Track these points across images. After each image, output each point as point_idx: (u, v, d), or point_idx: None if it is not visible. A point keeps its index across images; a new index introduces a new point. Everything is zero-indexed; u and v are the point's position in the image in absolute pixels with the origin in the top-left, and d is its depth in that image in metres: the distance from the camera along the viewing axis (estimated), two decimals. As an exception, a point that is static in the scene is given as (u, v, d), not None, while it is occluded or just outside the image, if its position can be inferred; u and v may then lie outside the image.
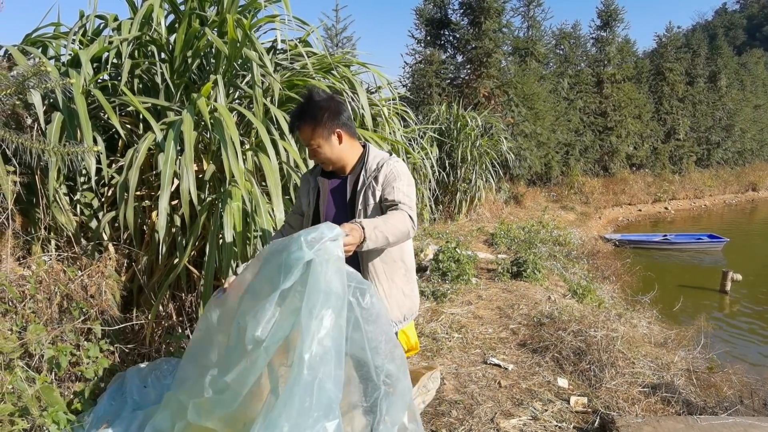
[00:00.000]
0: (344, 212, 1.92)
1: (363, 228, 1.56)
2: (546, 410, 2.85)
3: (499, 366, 3.42)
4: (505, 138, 11.24)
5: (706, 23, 62.01)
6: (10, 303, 2.44)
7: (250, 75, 3.00)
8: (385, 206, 1.83)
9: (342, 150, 1.88)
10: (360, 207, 1.86)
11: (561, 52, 17.83)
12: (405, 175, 1.87)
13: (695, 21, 66.31)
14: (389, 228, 1.65)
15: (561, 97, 16.03)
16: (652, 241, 12.11)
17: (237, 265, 2.71)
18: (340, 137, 1.86)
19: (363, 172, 1.89)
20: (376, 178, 1.85)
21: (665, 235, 12.33)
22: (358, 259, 1.87)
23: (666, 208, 18.17)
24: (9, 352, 2.07)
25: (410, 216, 1.76)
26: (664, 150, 19.50)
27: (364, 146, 1.98)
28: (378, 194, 1.84)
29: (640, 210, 17.54)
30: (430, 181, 7.58)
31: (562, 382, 3.21)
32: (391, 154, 1.94)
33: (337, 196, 1.96)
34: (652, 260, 10.65)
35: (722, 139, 21.76)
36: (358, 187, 1.88)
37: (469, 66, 13.61)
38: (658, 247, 11.93)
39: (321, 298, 1.37)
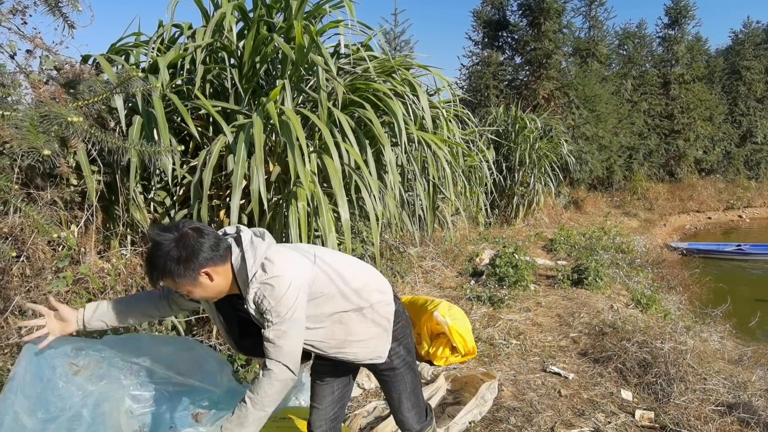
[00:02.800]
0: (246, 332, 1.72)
1: None
2: (609, 422, 2.75)
3: (559, 375, 3.32)
4: (566, 141, 10.92)
5: (788, 18, 57.70)
6: (93, 293, 2.62)
7: (314, 79, 3.08)
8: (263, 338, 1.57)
9: (218, 284, 1.56)
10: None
11: (624, 53, 17.11)
12: (267, 298, 1.52)
13: (775, 16, 61.84)
14: (264, 407, 1.51)
15: (624, 99, 15.39)
16: (724, 251, 11.37)
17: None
18: (209, 276, 1.53)
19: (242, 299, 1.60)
20: (248, 301, 1.56)
21: (739, 245, 11.55)
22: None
23: (740, 216, 17.01)
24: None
25: (279, 360, 1.52)
26: (738, 154, 18.28)
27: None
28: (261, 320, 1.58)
29: (709, 218, 16.52)
30: (486, 185, 7.48)
31: (626, 394, 3.08)
32: (249, 266, 1.54)
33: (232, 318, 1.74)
34: (724, 271, 10.00)
35: (806, 143, 20.16)
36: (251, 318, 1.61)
37: (527, 67, 13.33)
38: (731, 257, 11.18)
39: None
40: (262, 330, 1.55)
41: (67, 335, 1.80)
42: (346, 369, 1.92)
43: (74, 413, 1.78)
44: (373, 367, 1.87)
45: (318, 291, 1.66)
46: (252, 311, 1.55)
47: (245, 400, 1.52)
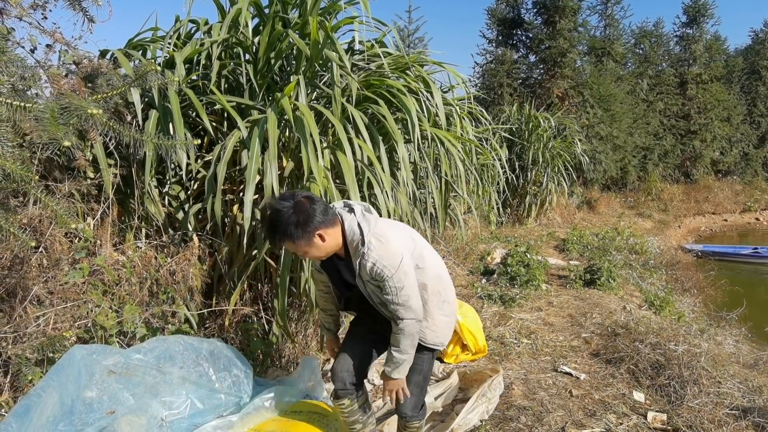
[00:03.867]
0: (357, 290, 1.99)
1: (393, 378, 1.93)
2: (621, 423, 2.73)
3: (570, 375, 3.30)
4: (579, 140, 10.82)
5: (810, 18, 56.46)
6: (108, 285, 2.65)
7: (329, 75, 3.09)
8: (388, 303, 1.87)
9: (329, 244, 1.82)
10: (364, 290, 1.93)
11: (641, 52, 16.89)
12: (385, 267, 1.80)
13: (796, 16, 60.47)
14: (407, 351, 1.90)
15: (639, 99, 15.20)
16: (741, 254, 11.20)
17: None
18: (322, 237, 1.79)
19: (349, 256, 1.89)
20: (362, 270, 1.85)
21: (756, 248, 11.37)
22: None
23: (757, 219, 16.73)
24: (109, 328, 2.25)
25: (409, 318, 1.86)
26: (756, 156, 17.98)
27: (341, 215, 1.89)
28: (372, 282, 1.87)
29: (725, 220, 16.27)
30: (498, 183, 7.44)
31: (639, 395, 3.05)
32: (360, 231, 1.82)
33: (342, 269, 2.00)
34: (740, 274, 9.85)
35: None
36: (356, 274, 1.89)
37: (542, 66, 13.22)
38: (747, 260, 11.01)
39: None
40: (385, 295, 1.83)
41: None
42: (383, 331, 2.08)
43: (104, 423, 1.84)
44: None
45: (415, 262, 1.92)
46: (366, 275, 1.83)
47: (393, 353, 1.90)
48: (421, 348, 2.04)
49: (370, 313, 2.10)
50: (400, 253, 1.83)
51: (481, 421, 2.69)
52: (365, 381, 2.30)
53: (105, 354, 1.97)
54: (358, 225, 1.82)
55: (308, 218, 1.74)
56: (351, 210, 1.88)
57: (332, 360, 2.29)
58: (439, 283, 2.02)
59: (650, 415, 2.81)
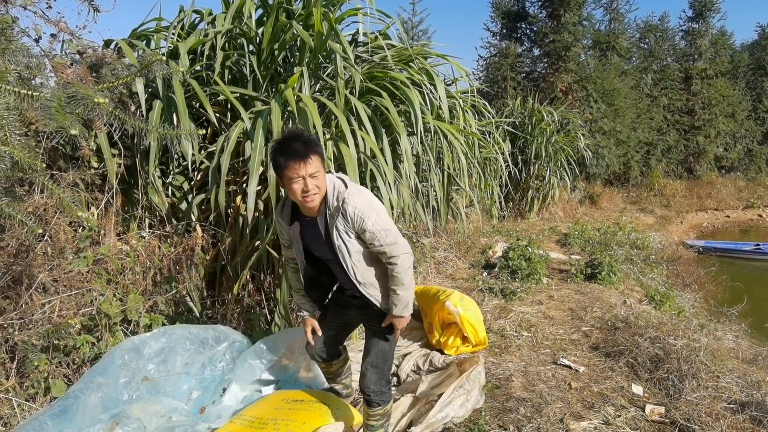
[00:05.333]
0: (325, 246, 2.03)
1: (401, 316, 2.06)
2: (619, 416, 2.75)
3: (569, 367, 3.33)
4: (583, 134, 10.78)
5: (817, 13, 55.98)
6: (113, 274, 2.68)
7: (332, 67, 3.09)
8: (372, 250, 1.98)
9: (323, 181, 1.92)
10: (337, 246, 1.97)
11: (645, 46, 16.77)
12: (368, 210, 1.91)
13: (803, 11, 59.92)
14: (410, 288, 2.04)
15: (644, 94, 15.11)
16: (742, 250, 11.19)
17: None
18: (325, 168, 1.93)
19: (327, 212, 1.96)
20: (342, 216, 1.92)
21: (758, 245, 11.35)
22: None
23: (760, 216, 16.69)
24: (114, 316, 2.28)
25: (402, 253, 1.98)
26: (761, 152, 17.89)
27: None
28: (352, 235, 1.95)
29: (728, 216, 16.23)
30: (501, 177, 7.44)
31: (637, 389, 3.07)
32: (342, 184, 1.96)
33: (315, 233, 2.03)
34: (741, 270, 9.85)
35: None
36: (329, 228, 1.96)
37: (546, 60, 13.15)
38: (749, 256, 11.01)
39: None
40: (371, 244, 1.94)
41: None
42: (350, 322, 2.38)
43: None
44: (372, 317, 2.17)
45: None
46: (343, 225, 1.91)
47: (398, 293, 2.02)
48: (381, 315, 2.14)
49: (336, 302, 2.28)
50: (376, 200, 1.99)
51: (469, 414, 2.71)
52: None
53: (144, 361, 2.16)
54: (340, 178, 1.99)
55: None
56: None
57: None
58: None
59: (648, 407, 2.84)
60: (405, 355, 3.37)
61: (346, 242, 1.95)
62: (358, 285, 2.04)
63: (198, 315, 3.09)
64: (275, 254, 3.12)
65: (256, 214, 3.08)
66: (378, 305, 2.11)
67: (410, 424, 2.53)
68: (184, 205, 3.18)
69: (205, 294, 3.11)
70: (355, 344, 3.30)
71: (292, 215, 2.06)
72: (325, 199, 1.93)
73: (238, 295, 3.19)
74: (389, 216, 2.04)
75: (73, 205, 1.61)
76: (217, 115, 3.24)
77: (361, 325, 2.53)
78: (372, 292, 2.08)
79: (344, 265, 2.00)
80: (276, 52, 3.21)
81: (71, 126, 1.31)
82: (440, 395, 2.66)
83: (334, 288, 2.28)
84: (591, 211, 11.73)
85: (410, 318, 2.12)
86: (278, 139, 1.90)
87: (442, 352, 3.41)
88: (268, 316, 3.26)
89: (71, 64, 2.62)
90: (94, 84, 2.14)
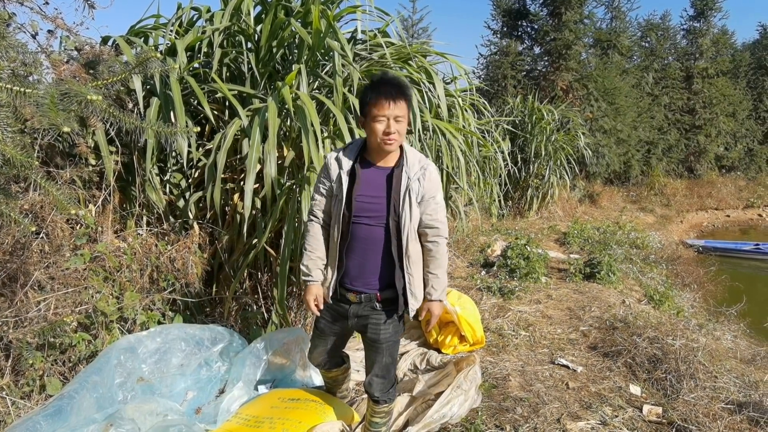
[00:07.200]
0: (383, 202, 1.95)
1: (439, 300, 2.04)
2: (616, 416, 2.75)
3: (567, 367, 3.32)
4: (583, 133, 10.77)
5: (819, 13, 55.86)
6: (110, 271, 2.67)
7: (331, 64, 3.08)
8: (425, 221, 1.97)
9: (404, 131, 1.96)
10: (402, 206, 1.93)
11: (647, 45, 16.74)
12: (439, 184, 2.03)
13: (805, 10, 59.80)
14: (444, 276, 2.03)
15: (644, 93, 15.09)
16: (742, 250, 11.18)
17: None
18: (408, 121, 1.97)
19: (405, 169, 1.94)
20: (419, 180, 1.94)
21: (758, 244, 11.33)
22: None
23: (760, 215, 16.67)
24: (110, 314, 2.27)
25: (446, 237, 2.03)
26: (761, 152, 17.87)
27: None
28: (418, 198, 1.95)
29: (728, 216, 16.21)
30: (500, 176, 7.43)
31: (635, 389, 3.07)
32: (427, 156, 2.03)
33: (377, 185, 1.97)
34: (741, 270, 9.84)
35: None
36: (402, 185, 1.93)
37: (546, 58, 13.12)
38: (749, 256, 10.99)
39: None
40: (430, 216, 1.96)
41: None
42: (346, 329, 2.20)
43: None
44: (371, 329, 2.07)
45: None
46: (417, 186, 1.93)
47: (438, 277, 2.02)
48: (394, 315, 2.06)
49: (333, 311, 2.13)
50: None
51: (464, 415, 2.71)
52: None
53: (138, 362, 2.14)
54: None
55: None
56: None
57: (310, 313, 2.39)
58: None
59: (646, 408, 2.83)
60: (402, 354, 3.36)
61: (413, 206, 1.92)
62: (404, 256, 1.94)
63: (195, 313, 3.08)
64: (273, 252, 3.12)
65: (254, 212, 3.07)
66: (411, 290, 1.98)
67: (406, 423, 2.53)
68: (181, 203, 3.17)
69: (202, 292, 3.10)
70: (354, 343, 3.29)
71: (356, 161, 1.97)
72: (405, 157, 1.95)
73: (235, 294, 3.18)
74: None
75: (67, 203, 1.60)
76: (215, 112, 3.23)
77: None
78: (414, 271, 1.98)
79: (402, 227, 1.92)
80: (274, 50, 3.20)
81: (64, 123, 1.30)
82: (437, 395, 2.65)
83: (335, 283, 2.07)
84: (591, 210, 11.72)
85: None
86: (372, 78, 1.96)
87: (439, 351, 3.41)
88: (265, 315, 3.26)
89: (67, 61, 2.61)
90: (91, 81, 2.13)
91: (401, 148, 1.99)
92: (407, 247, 1.94)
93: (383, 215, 1.94)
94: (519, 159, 9.55)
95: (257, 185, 2.98)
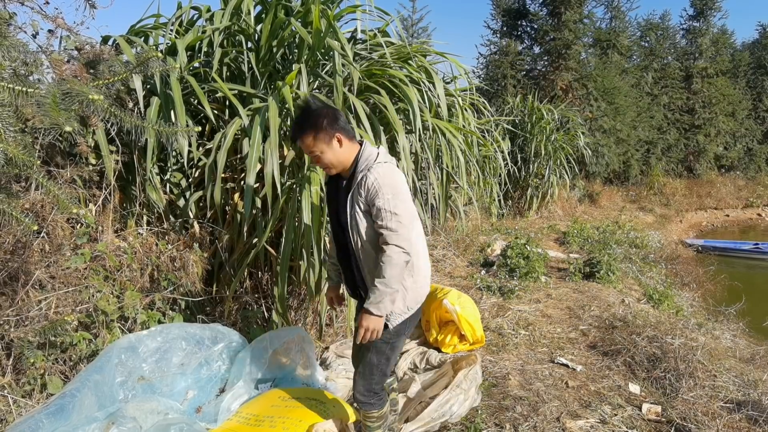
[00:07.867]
0: (344, 213, 1.96)
1: (372, 313, 1.85)
2: (615, 415, 2.76)
3: (566, 366, 3.33)
4: (582, 133, 10.78)
5: (818, 12, 55.88)
6: (110, 270, 2.68)
7: (331, 64, 3.08)
8: (376, 228, 1.87)
9: (343, 153, 1.93)
10: (348, 216, 1.92)
11: (646, 45, 16.77)
12: (386, 186, 1.85)
13: (805, 10, 59.77)
14: (391, 284, 1.83)
15: (644, 92, 15.12)
16: (741, 249, 11.19)
17: (312, 248, 2.82)
18: (340, 141, 1.91)
19: (354, 176, 1.93)
20: (360, 185, 1.88)
21: (757, 244, 11.35)
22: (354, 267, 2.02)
23: (759, 215, 16.69)
24: (110, 313, 2.28)
25: (396, 244, 1.82)
26: (761, 151, 17.89)
27: (361, 144, 2.00)
28: (362, 205, 1.89)
29: (727, 215, 16.23)
30: (500, 175, 7.44)
31: (634, 388, 3.08)
32: (377, 156, 1.94)
33: (338, 198, 2.01)
34: (740, 270, 9.85)
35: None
36: (349, 195, 1.92)
37: (546, 58, 13.14)
38: (748, 256, 11.01)
39: None
40: (376, 219, 1.84)
41: None
42: None
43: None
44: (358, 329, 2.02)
45: None
46: (361, 192, 1.86)
47: (375, 284, 1.85)
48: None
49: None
50: (403, 182, 1.92)
51: (466, 415, 2.72)
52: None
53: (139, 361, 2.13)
54: (380, 150, 1.97)
55: (336, 118, 1.91)
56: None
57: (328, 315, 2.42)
58: (419, 258, 2.02)
59: (645, 406, 2.84)
60: (402, 353, 3.37)
61: (357, 213, 1.90)
62: (362, 266, 1.95)
63: (195, 312, 3.09)
64: (273, 252, 3.12)
65: (254, 211, 3.08)
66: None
67: (405, 420, 2.53)
68: (181, 202, 3.17)
69: (203, 291, 3.11)
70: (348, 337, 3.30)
71: (332, 175, 2.05)
72: (357, 163, 1.93)
73: (236, 293, 3.18)
74: (412, 214, 1.93)
75: (68, 202, 1.60)
76: (215, 112, 3.23)
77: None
78: (372, 280, 1.92)
79: (350, 233, 1.92)
80: (274, 50, 3.20)
81: (65, 122, 1.30)
82: (433, 396, 2.65)
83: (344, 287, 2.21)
84: (590, 210, 11.74)
85: (379, 323, 1.89)
86: None
87: (439, 350, 3.42)
88: (266, 314, 3.26)
89: (68, 61, 2.61)
90: (92, 80, 2.13)
91: (358, 153, 1.96)
92: (361, 257, 1.95)
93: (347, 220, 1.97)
94: (519, 158, 9.57)
95: (257, 184, 2.99)
